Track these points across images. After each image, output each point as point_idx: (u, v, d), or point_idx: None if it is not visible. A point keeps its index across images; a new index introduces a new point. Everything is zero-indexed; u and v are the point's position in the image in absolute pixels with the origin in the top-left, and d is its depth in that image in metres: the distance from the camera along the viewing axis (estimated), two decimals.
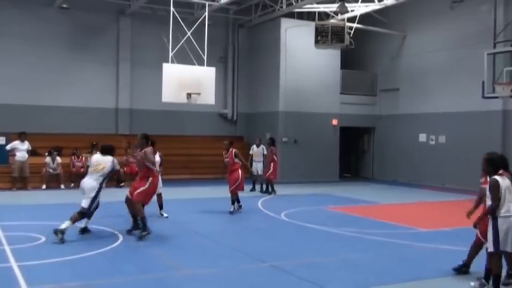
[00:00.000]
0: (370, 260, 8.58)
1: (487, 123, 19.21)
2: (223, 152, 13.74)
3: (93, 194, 9.68)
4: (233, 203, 13.20)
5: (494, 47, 16.13)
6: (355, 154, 26.19)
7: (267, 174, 17.61)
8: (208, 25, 17.61)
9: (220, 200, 15.97)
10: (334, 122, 23.08)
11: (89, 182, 9.85)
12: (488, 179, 7.11)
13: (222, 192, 17.89)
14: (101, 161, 9.97)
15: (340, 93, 23.36)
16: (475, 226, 7.25)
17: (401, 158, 22.98)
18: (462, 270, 7.68)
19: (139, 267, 7.81)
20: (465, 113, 20.01)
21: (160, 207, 12.25)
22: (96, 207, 9.94)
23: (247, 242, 9.92)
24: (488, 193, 6.66)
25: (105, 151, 10.15)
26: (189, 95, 16.91)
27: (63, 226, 9.19)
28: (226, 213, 13.08)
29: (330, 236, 10.56)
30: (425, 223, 12.27)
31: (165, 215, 12.21)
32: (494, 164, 6.78)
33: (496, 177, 6.60)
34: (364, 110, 24.38)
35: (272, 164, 17.60)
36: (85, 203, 9.64)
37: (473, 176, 19.47)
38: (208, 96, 17.36)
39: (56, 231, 9.09)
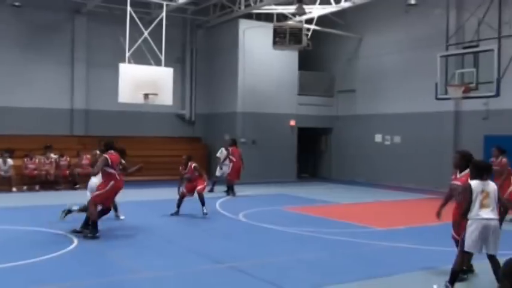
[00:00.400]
0: (327, 259, 8.66)
1: (440, 123, 19.71)
2: (181, 167, 13.31)
3: None
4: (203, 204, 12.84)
5: (447, 49, 16.52)
6: (313, 154, 26.42)
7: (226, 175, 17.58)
8: (165, 25, 17.46)
9: (176, 202, 15.86)
10: (292, 122, 23.24)
11: (96, 182, 10.35)
12: (458, 175, 7.45)
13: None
14: None
15: (298, 94, 23.54)
16: (438, 215, 7.59)
17: (358, 158, 23.33)
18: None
19: (97, 271, 7.67)
20: (419, 114, 20.47)
21: (115, 208, 12.00)
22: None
23: (205, 243, 9.87)
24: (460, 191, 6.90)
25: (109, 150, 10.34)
26: (146, 96, 16.73)
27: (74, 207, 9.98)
28: (183, 215, 12.98)
29: (288, 236, 10.61)
30: (381, 222, 12.47)
31: (121, 217, 12.01)
32: (477, 168, 6.84)
33: (473, 181, 6.69)
34: (321, 110, 24.63)
35: (231, 164, 17.54)
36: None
37: (428, 174, 20.06)
38: (165, 96, 17.22)
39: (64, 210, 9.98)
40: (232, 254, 8.82)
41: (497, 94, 14.86)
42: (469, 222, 6.60)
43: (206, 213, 12.67)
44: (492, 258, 6.57)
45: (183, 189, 12.98)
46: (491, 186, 6.68)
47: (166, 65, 17.36)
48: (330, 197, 17.64)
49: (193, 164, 13.16)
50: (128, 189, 17.97)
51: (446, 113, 19.44)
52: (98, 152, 11.63)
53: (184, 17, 23.17)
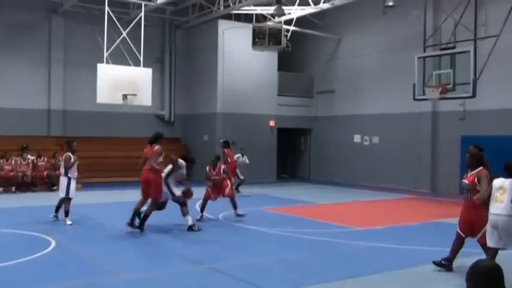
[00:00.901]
0: (306, 259, 8.69)
1: (418, 124, 19.94)
2: (208, 168, 12.75)
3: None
4: (235, 208, 12.56)
5: (424, 51, 16.70)
6: (292, 155, 26.51)
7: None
8: (144, 25, 17.35)
9: None
10: (272, 123, 23.28)
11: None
12: (468, 174, 7.55)
13: None
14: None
15: (278, 94, 23.60)
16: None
17: (337, 159, 23.46)
18: (444, 264, 7.75)
19: (75, 273, 7.58)
20: (397, 115, 20.68)
21: (66, 213, 11.49)
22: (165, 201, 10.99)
23: (185, 244, 9.82)
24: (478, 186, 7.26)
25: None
26: (124, 96, 16.60)
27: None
28: (162, 216, 12.87)
29: (267, 237, 10.63)
30: (360, 222, 12.56)
31: (68, 222, 11.40)
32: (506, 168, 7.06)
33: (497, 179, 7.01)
34: (300, 111, 24.73)
35: (228, 166, 17.37)
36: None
37: (406, 175, 20.26)
38: (144, 97, 17.11)
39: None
40: (213, 255, 8.80)
41: (474, 95, 15.07)
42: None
43: (241, 215, 12.45)
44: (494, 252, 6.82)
45: (208, 191, 12.53)
46: (508, 182, 6.83)
47: (145, 66, 17.25)
48: (309, 197, 17.71)
49: (223, 166, 12.93)
50: (108, 191, 17.99)
51: (423, 113, 19.67)
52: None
53: (163, 17, 23.07)
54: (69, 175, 11.50)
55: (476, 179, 7.42)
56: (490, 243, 6.85)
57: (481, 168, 7.54)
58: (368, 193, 18.74)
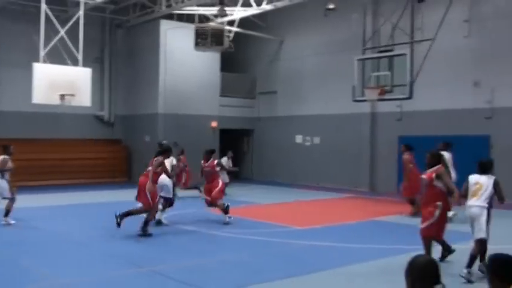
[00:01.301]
0: (248, 259, 8.71)
1: (358, 124, 20.38)
2: (202, 161, 12.88)
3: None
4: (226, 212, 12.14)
5: (363, 53, 17.09)
6: (235, 156, 26.46)
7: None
8: (83, 24, 16.91)
9: (96, 206, 15.45)
10: (214, 124, 23.21)
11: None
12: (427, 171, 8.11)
13: (99, 197, 17.34)
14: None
15: (220, 95, 23.55)
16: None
17: (279, 159, 23.65)
18: (445, 256, 8.32)
19: (11, 280, 7.27)
20: (338, 115, 21.06)
21: (7, 213, 11.38)
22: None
23: (125, 247, 9.63)
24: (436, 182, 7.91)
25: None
26: (62, 97, 16.12)
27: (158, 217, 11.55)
28: (101, 219, 12.63)
29: (209, 238, 10.58)
30: (300, 221, 12.69)
31: (11, 222, 11.39)
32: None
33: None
34: (243, 112, 24.79)
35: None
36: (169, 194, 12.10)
37: (346, 174, 20.65)
38: (83, 97, 16.67)
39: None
40: (153, 258, 8.67)
41: (410, 97, 15.54)
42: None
43: (227, 223, 11.89)
44: (475, 242, 7.50)
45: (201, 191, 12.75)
46: (484, 179, 7.65)
47: (84, 65, 16.82)
48: (251, 197, 17.76)
49: (217, 160, 12.67)
50: (45, 194, 17.44)
51: (363, 114, 20.13)
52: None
53: (103, 16, 22.57)
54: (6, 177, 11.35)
55: (434, 175, 7.92)
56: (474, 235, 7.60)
57: (439, 166, 8.09)
58: (309, 193, 18.98)
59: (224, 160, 17.81)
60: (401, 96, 16.02)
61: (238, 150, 26.43)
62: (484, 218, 7.43)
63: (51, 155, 20.39)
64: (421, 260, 3.41)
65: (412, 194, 13.27)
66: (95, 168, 21.66)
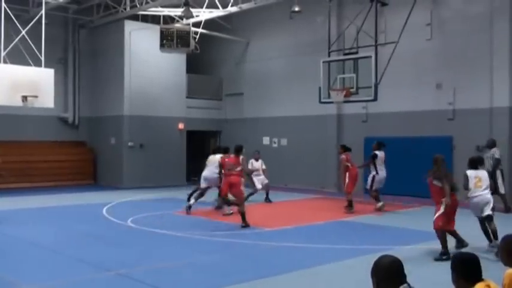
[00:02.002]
0: (217, 261, 8.70)
1: (324, 126, 20.58)
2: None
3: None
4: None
5: (329, 55, 17.25)
6: (202, 157, 26.37)
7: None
8: (45, 24, 16.58)
9: (62, 209, 15.20)
10: (181, 126, 23.08)
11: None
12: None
13: (63, 200, 17.04)
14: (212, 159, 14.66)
15: (187, 97, 23.44)
16: None
17: (247, 161, 23.61)
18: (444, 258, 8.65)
19: None
20: (305, 117, 21.22)
21: None
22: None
23: (91, 251, 9.49)
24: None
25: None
26: (24, 98, 15.73)
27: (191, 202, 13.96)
28: (67, 222, 12.44)
29: (178, 240, 10.52)
30: (269, 222, 12.74)
31: None
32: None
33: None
34: (210, 114, 24.74)
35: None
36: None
37: (313, 175, 20.81)
38: (46, 99, 16.29)
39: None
40: (121, 261, 8.57)
41: (375, 98, 15.76)
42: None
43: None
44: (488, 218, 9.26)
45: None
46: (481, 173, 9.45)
47: (46, 66, 16.45)
48: None
49: (242, 157, 12.76)
50: (8, 197, 17.04)
51: (329, 116, 20.33)
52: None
53: (66, 16, 22.18)
54: None
55: (432, 178, 9.11)
56: (476, 214, 9.30)
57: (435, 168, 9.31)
58: (277, 194, 19.01)
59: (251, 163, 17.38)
60: (366, 98, 16.23)
61: (205, 152, 26.34)
62: (492, 201, 9.30)
63: (14, 158, 19.89)
64: (386, 260, 3.47)
65: (350, 191, 14.53)
66: (60, 171, 21.28)
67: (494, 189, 11.26)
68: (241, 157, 12.56)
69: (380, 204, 14.67)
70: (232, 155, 12.88)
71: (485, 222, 9.27)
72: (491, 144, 14.72)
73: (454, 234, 9.14)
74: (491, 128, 16.30)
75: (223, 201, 13.55)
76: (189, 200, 14.50)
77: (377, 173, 14.70)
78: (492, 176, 13.26)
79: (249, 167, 16.41)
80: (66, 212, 14.56)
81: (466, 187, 9.18)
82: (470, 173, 9.26)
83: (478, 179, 9.17)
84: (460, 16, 17.14)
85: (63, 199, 17.30)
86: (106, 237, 10.88)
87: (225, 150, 14.27)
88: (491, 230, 9.21)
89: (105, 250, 9.59)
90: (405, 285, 3.36)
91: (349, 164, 14.67)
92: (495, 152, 14.51)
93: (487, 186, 9.22)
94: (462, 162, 16.95)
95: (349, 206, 14.46)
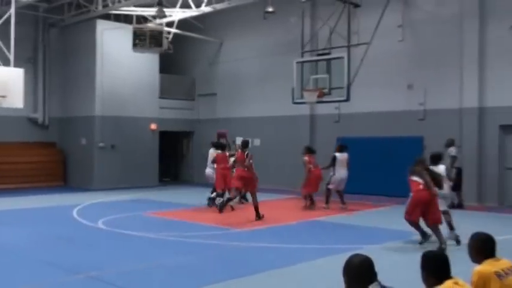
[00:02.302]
0: (190, 262, 8.63)
1: (297, 126, 20.65)
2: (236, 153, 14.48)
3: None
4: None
5: (302, 56, 17.32)
6: (174, 158, 26.30)
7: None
8: (15, 23, 16.26)
9: (31, 211, 14.93)
10: (153, 126, 22.91)
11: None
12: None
13: (32, 202, 16.75)
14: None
15: (159, 97, 23.28)
16: None
17: None
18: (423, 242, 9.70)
19: None
20: (278, 117, 21.26)
21: None
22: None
23: (61, 254, 9.31)
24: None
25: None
26: None
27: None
28: (36, 225, 12.22)
29: (150, 242, 10.41)
30: (241, 223, 12.71)
31: None
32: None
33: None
34: (183, 114, 24.62)
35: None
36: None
37: (286, 176, 20.84)
38: (15, 99, 15.98)
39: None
40: (91, 263, 8.43)
41: (348, 99, 15.88)
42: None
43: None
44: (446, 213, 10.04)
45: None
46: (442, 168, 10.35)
47: (16, 65, 16.15)
48: (191, 200, 17.60)
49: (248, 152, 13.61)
50: None
51: (302, 116, 20.40)
52: None
53: (36, 14, 21.80)
54: None
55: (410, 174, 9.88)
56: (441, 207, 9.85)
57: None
58: (249, 194, 18.99)
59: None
60: (339, 99, 16.34)
61: (178, 153, 26.24)
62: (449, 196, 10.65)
63: None
64: (356, 259, 3.50)
65: (309, 191, 15.29)
66: (29, 172, 20.91)
67: (454, 186, 13.25)
68: (246, 152, 13.55)
69: (326, 205, 15.18)
70: (239, 151, 14.00)
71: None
72: (450, 143, 15.25)
73: (416, 226, 9.70)
74: (460, 128, 16.59)
75: (234, 194, 14.40)
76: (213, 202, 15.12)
77: (334, 173, 15.09)
78: (455, 173, 14.57)
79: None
80: (35, 214, 14.30)
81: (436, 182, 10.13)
82: (440, 169, 10.15)
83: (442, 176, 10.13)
84: (431, 18, 17.39)
85: (32, 201, 17.01)
86: (76, 240, 10.71)
87: (222, 147, 15.28)
88: (446, 222, 9.99)
89: (75, 252, 9.43)
90: (376, 283, 3.38)
91: (311, 166, 15.20)
92: (452, 151, 15.06)
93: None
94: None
95: (311, 203, 15.34)
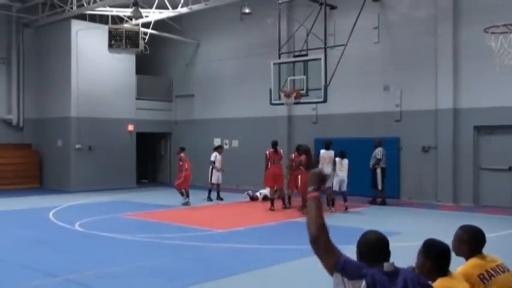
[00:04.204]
0: (168, 264, 8.60)
1: (275, 127, 20.69)
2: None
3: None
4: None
5: (279, 57, 17.34)
6: (152, 159, 26.15)
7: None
8: None
9: (6, 214, 14.70)
10: (130, 127, 22.75)
11: None
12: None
13: (7, 204, 16.49)
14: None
15: (136, 98, 23.12)
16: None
17: (197, 162, 23.45)
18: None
19: None
20: (255, 118, 21.28)
21: None
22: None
23: (37, 257, 9.20)
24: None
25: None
26: None
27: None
28: (11, 228, 12.03)
29: (127, 244, 10.35)
30: (221, 224, 12.72)
31: None
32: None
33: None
34: (160, 115, 24.49)
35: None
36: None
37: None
38: None
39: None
40: (69, 266, 8.34)
41: (325, 100, 15.94)
42: None
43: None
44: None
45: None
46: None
47: None
48: (170, 201, 17.53)
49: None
50: None
51: (280, 117, 20.46)
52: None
53: (9, 14, 21.48)
54: None
55: None
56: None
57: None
58: (229, 195, 19.01)
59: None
60: (316, 100, 16.40)
61: (156, 154, 26.09)
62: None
63: None
64: (373, 235, 3.40)
65: (181, 187, 16.74)
66: (4, 175, 20.60)
67: (372, 184, 16.29)
68: (281, 150, 15.88)
69: (328, 208, 15.13)
70: (271, 150, 15.76)
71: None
72: (377, 145, 16.32)
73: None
74: (436, 128, 16.83)
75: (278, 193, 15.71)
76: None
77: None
78: (373, 172, 16.27)
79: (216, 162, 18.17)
80: (10, 217, 14.09)
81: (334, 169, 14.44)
82: (337, 159, 14.71)
83: (341, 165, 14.68)
84: (406, 20, 17.61)
85: (7, 203, 16.73)
86: (52, 242, 10.58)
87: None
88: (331, 198, 14.14)
89: (52, 255, 9.32)
90: (391, 262, 3.29)
91: (183, 163, 16.91)
92: (377, 153, 16.19)
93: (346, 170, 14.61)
94: (409, 162, 17.51)
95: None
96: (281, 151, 16.08)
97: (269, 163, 15.75)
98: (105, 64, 21.49)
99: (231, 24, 22.07)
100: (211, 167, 17.98)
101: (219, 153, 18.19)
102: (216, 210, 15.86)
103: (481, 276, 3.89)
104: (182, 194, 16.73)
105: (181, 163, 17.01)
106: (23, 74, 22.26)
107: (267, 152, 15.97)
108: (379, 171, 16.16)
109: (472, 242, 4.10)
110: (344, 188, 15.13)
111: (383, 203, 16.25)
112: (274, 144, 15.89)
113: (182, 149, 17.41)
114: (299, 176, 15.02)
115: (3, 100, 21.06)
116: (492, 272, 3.93)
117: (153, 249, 9.80)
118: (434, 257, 3.63)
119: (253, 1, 19.72)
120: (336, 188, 15.07)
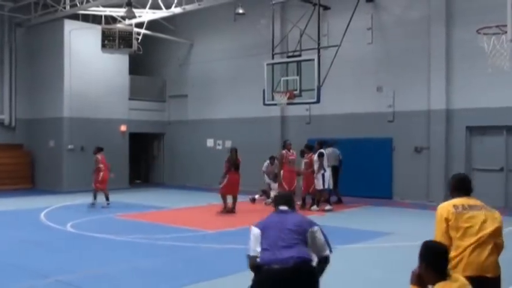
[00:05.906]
0: (161, 265, 8.57)
1: (268, 128, 20.70)
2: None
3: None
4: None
5: (273, 58, 17.34)
6: (145, 160, 26.09)
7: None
8: None
9: None
10: (123, 128, 22.68)
11: None
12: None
13: (1, 205, 16.39)
14: None
15: (129, 98, 23.06)
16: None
17: (190, 163, 23.50)
18: None
19: None
20: (249, 119, 21.27)
21: None
22: None
23: (29, 257, 9.15)
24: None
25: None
26: None
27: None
28: (2, 228, 11.96)
29: (120, 245, 10.31)
30: (212, 225, 12.70)
31: None
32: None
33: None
34: (153, 115, 24.43)
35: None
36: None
37: (258, 177, 20.84)
38: None
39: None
40: (60, 267, 8.30)
41: (318, 101, 15.97)
42: None
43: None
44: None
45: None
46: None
47: None
48: (163, 202, 17.52)
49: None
50: None
51: (273, 118, 20.46)
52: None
53: (1, 14, 21.38)
54: None
55: None
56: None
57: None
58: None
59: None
60: (309, 100, 16.41)
61: (149, 155, 26.03)
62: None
63: None
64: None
65: (98, 189, 16.08)
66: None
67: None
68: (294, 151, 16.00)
69: (328, 207, 15.36)
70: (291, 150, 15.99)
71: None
72: (330, 144, 16.66)
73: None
74: (428, 129, 16.88)
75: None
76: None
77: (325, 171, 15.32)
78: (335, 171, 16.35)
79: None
80: (1, 217, 14.01)
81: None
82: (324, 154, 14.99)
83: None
84: (400, 21, 17.65)
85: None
86: (44, 243, 10.53)
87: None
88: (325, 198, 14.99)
89: (44, 256, 9.27)
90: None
91: (102, 165, 16.36)
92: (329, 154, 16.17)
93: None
94: (401, 162, 17.54)
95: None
96: (294, 152, 16.16)
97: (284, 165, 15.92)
98: (98, 64, 21.41)
99: (224, 24, 22.05)
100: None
101: (271, 163, 17.84)
102: (211, 211, 15.81)
103: (455, 206, 4.43)
104: (95, 197, 15.89)
105: (101, 165, 16.20)
106: (15, 74, 22.16)
107: (283, 152, 16.18)
108: (330, 170, 15.69)
109: (456, 184, 4.71)
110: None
111: (339, 201, 16.49)
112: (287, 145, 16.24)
113: (99, 149, 16.56)
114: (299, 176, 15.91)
115: None
116: (467, 206, 4.44)
117: (145, 250, 9.76)
118: (431, 258, 3.71)
119: (247, 2, 19.70)
120: (328, 185, 15.36)
